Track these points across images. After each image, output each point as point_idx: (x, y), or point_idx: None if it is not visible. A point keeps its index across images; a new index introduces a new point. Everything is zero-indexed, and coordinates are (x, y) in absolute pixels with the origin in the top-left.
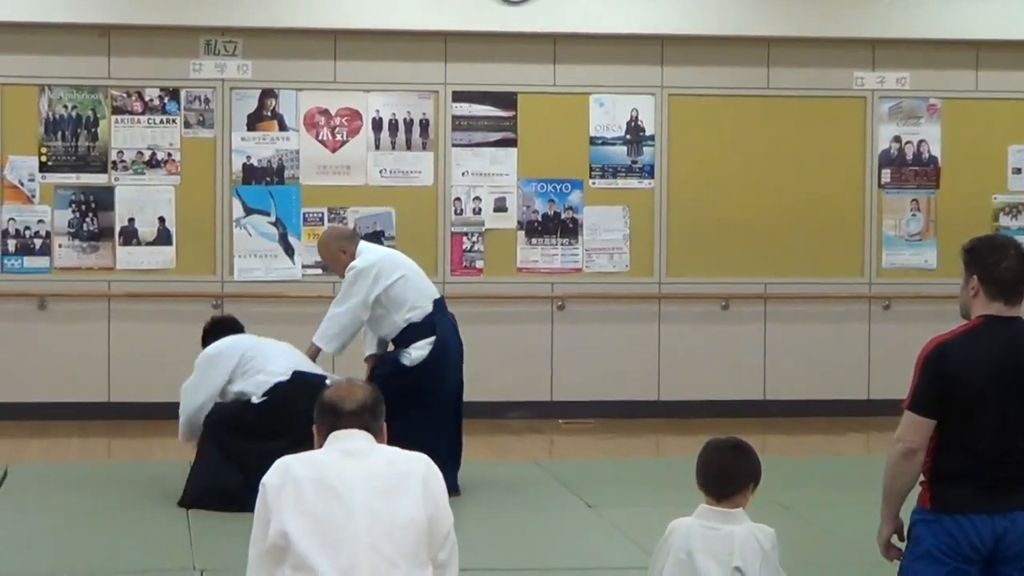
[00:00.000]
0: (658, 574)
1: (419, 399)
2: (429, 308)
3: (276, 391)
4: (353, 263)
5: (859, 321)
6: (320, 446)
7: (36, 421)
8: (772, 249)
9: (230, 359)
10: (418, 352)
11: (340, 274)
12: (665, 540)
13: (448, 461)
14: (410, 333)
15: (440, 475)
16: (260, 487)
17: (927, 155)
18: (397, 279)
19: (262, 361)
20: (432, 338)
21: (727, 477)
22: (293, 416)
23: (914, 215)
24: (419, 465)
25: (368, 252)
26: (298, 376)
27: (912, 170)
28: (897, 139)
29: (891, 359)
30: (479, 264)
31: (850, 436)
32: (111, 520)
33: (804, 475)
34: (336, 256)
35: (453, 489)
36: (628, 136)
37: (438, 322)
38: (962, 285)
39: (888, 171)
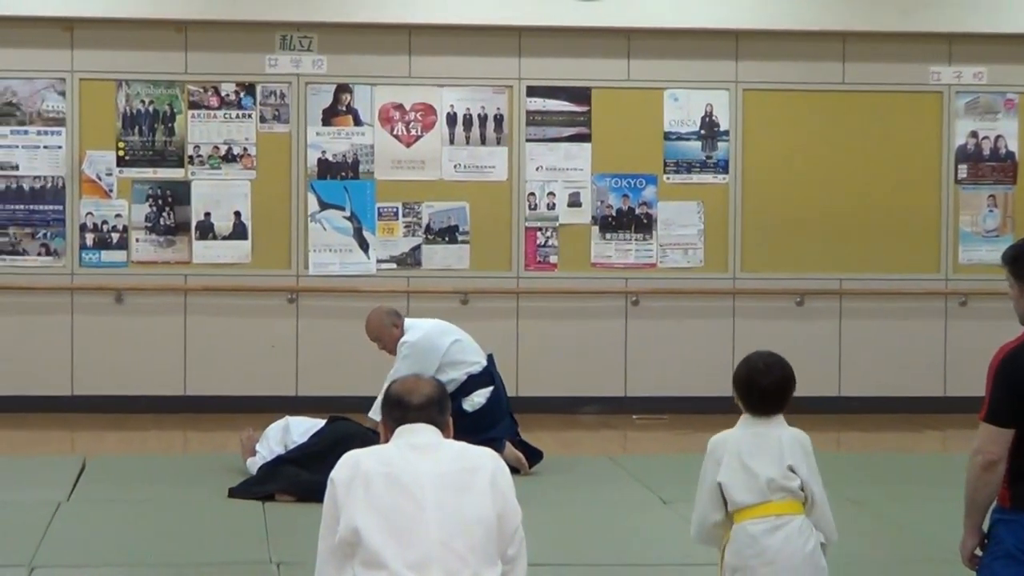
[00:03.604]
0: (710, 486)
1: (473, 437)
2: (485, 362)
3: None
4: (404, 338)
5: (935, 317)
6: (387, 440)
7: (113, 414)
8: (847, 245)
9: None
10: (479, 399)
11: (391, 349)
12: (711, 454)
13: None
14: (470, 384)
15: (507, 471)
16: (328, 482)
17: (1004, 150)
18: (451, 344)
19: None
20: (491, 388)
21: (777, 398)
22: None
23: (991, 211)
24: (487, 460)
25: (416, 327)
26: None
27: (989, 165)
28: (974, 134)
29: (968, 356)
30: (553, 259)
31: (926, 433)
32: (187, 512)
33: (879, 472)
34: (389, 331)
35: None
36: (702, 131)
37: (495, 373)
38: (1015, 296)
39: (965, 166)
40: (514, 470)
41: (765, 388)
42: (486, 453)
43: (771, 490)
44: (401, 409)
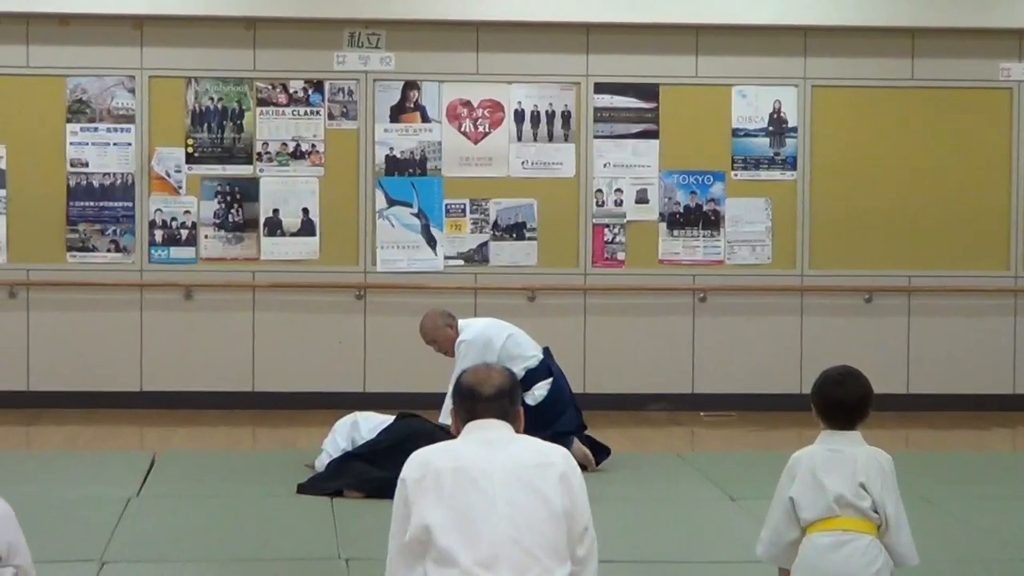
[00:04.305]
0: (784, 501)
1: (541, 432)
2: (542, 356)
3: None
4: (461, 337)
5: (1005, 315)
6: (458, 431)
7: (183, 409)
8: (916, 242)
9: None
10: (540, 391)
11: (447, 351)
12: (789, 469)
13: None
14: (529, 378)
15: (578, 469)
16: (399, 481)
17: None
18: (507, 339)
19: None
20: (550, 379)
21: (850, 411)
22: None
23: None
24: (558, 458)
25: (471, 326)
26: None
27: None
28: None
29: None
30: (620, 256)
31: (995, 431)
32: (256, 508)
33: (948, 470)
34: (444, 331)
35: None
36: (771, 128)
37: (552, 365)
38: None
39: None
40: (582, 467)
41: (838, 400)
42: (557, 450)
43: (840, 506)
44: (472, 400)
